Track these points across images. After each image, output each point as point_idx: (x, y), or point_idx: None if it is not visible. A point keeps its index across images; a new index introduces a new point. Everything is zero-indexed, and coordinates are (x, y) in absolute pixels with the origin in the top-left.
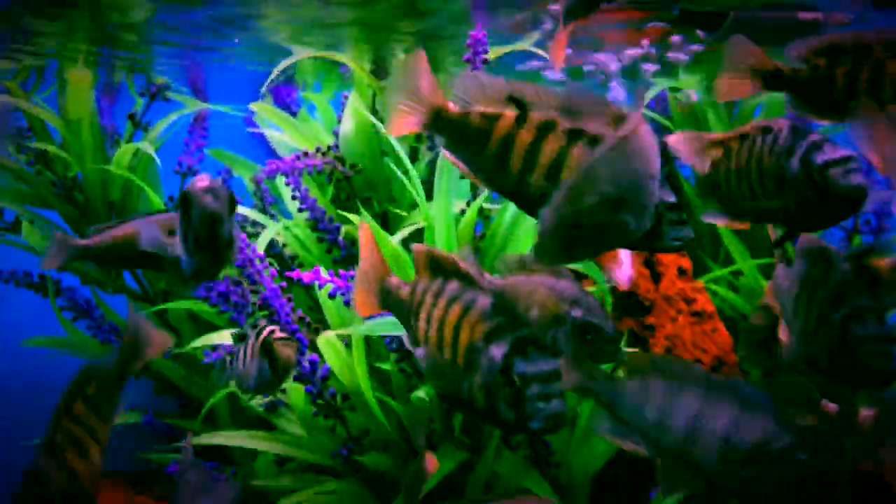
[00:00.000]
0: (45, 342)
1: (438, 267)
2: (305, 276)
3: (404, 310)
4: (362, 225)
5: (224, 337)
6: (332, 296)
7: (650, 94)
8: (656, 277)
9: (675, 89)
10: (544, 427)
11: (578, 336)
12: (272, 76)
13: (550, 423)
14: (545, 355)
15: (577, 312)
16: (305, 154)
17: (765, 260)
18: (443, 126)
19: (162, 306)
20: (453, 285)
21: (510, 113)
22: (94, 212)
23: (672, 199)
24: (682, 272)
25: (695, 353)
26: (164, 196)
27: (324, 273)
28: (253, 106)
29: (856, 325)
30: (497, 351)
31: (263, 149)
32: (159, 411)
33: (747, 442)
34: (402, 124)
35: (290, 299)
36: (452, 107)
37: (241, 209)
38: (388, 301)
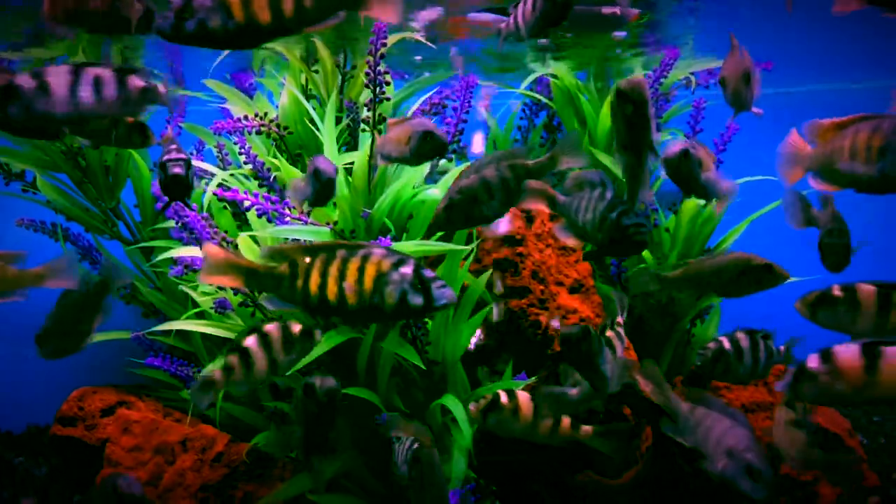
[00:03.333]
0: None
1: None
2: (228, 194)
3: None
4: None
5: (182, 252)
6: (259, 215)
7: (528, 80)
8: (531, 220)
9: (553, 75)
10: (446, 304)
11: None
12: (215, 63)
13: (450, 303)
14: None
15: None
16: (246, 117)
17: None
18: None
19: (145, 244)
20: (341, 251)
21: None
22: (93, 174)
23: None
24: (553, 217)
25: (558, 277)
26: (150, 163)
27: (241, 192)
28: (207, 82)
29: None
30: (406, 269)
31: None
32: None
33: None
34: None
35: (211, 225)
36: None
37: (201, 164)
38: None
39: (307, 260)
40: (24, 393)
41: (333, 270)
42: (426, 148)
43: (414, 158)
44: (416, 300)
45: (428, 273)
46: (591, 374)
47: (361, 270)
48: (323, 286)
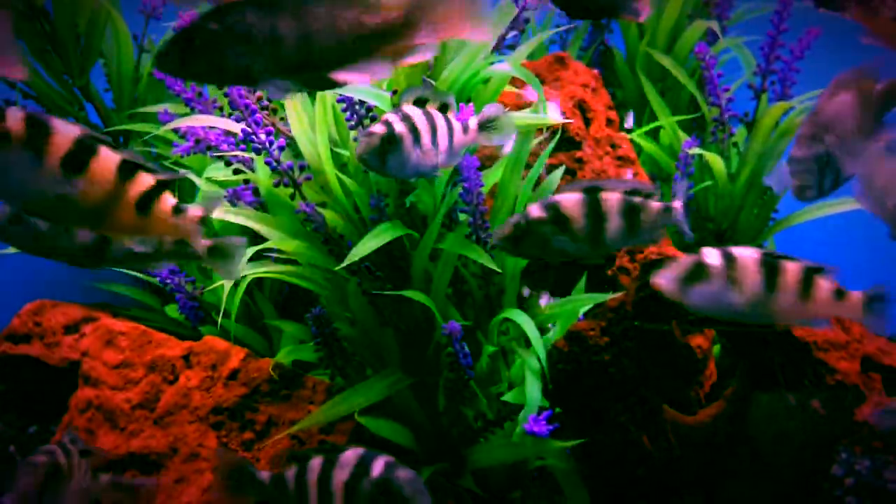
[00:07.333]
0: None
1: None
2: None
3: None
4: None
5: (195, 121)
6: None
7: None
8: (588, 122)
9: None
10: None
11: None
12: None
13: None
14: None
15: None
16: None
17: (683, 117)
18: None
19: (121, 127)
20: None
21: None
22: (61, 42)
23: None
24: (609, 122)
25: None
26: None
27: None
28: None
29: None
30: None
31: None
32: None
33: None
34: None
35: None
36: None
37: None
38: None
39: None
40: None
41: None
42: None
43: None
44: None
45: None
46: None
47: None
48: None
